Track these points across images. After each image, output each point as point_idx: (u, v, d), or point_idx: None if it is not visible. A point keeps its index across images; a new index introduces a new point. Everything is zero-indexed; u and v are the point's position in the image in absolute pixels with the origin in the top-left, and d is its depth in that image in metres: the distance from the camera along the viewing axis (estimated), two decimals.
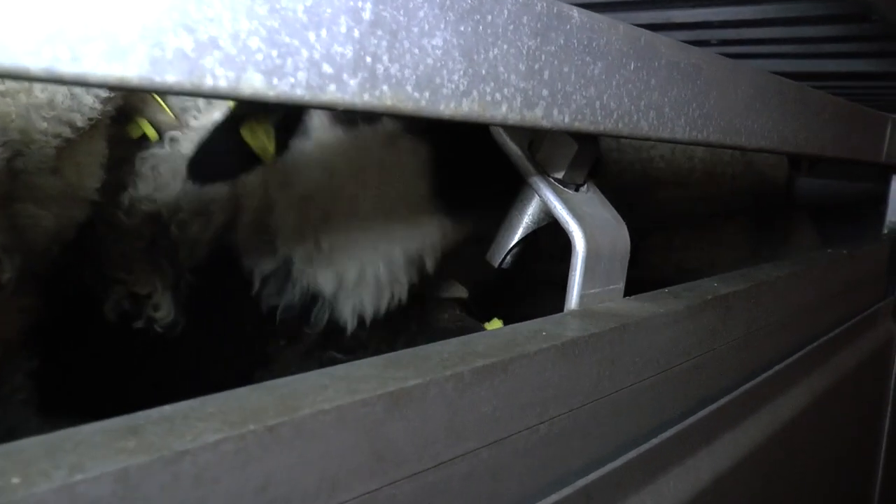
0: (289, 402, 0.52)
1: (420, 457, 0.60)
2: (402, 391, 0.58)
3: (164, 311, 1.26)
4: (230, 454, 0.46)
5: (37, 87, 0.89)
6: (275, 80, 0.47)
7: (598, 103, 0.77)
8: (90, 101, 0.95)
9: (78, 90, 0.93)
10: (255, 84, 0.46)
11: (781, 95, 1.22)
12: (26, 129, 0.90)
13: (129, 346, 1.27)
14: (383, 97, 0.54)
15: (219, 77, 0.44)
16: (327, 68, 0.50)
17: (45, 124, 0.91)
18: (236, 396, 0.52)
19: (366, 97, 0.53)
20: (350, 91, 0.52)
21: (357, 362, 0.63)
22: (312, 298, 1.34)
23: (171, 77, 0.41)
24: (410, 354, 0.65)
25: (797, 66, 1.95)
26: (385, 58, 0.54)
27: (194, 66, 0.42)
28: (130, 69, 0.39)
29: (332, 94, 0.51)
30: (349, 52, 0.52)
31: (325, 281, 1.32)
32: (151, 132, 1.17)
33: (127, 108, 1.13)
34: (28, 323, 1.11)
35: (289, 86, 0.48)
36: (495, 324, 1.50)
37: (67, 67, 0.37)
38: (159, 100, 1.18)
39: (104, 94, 0.97)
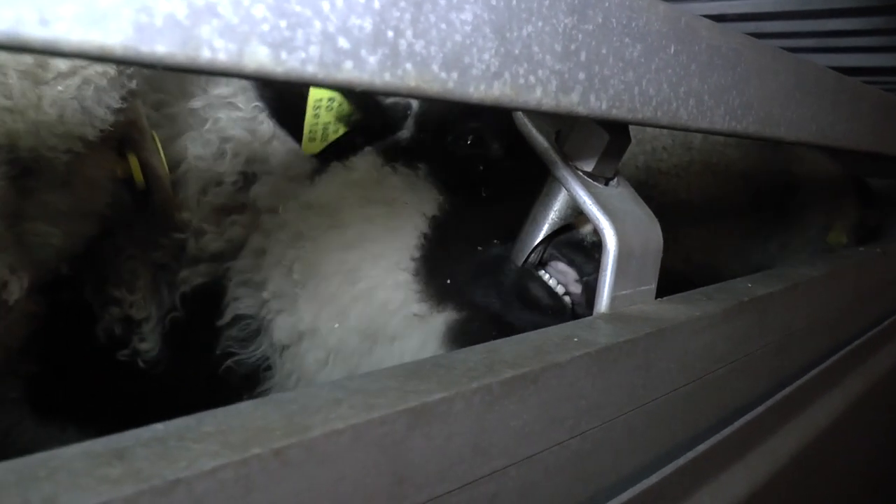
0: (298, 421, 0.46)
1: (444, 478, 0.54)
2: (425, 406, 0.52)
3: (149, 344, 1.17)
4: (230, 482, 0.41)
5: (46, 102, 0.84)
6: (283, 55, 0.41)
7: (636, 89, 0.71)
8: (102, 113, 0.89)
9: (89, 102, 0.87)
10: (259, 58, 0.40)
11: (821, 85, 1.15)
12: (35, 147, 0.85)
13: (113, 366, 1.19)
14: (406, 77, 0.48)
15: (217, 49, 0.38)
16: (343, 43, 0.44)
17: (55, 140, 0.86)
18: (238, 413, 0.46)
19: (387, 76, 0.47)
20: (369, 69, 0.46)
21: (374, 372, 0.57)
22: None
23: (160, 47, 0.35)
24: (432, 364, 0.58)
25: (819, 62, 1.87)
26: (409, 33, 0.48)
27: (188, 35, 0.36)
28: (112, 37, 0.33)
29: (349, 72, 0.45)
30: (368, 24, 0.45)
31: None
32: (139, 176, 1.05)
33: (126, 138, 1.03)
34: (31, 329, 1.06)
35: (299, 61, 0.42)
36: None
37: (35, 31, 0.31)
38: (157, 140, 1.07)
39: (115, 104, 0.91)
